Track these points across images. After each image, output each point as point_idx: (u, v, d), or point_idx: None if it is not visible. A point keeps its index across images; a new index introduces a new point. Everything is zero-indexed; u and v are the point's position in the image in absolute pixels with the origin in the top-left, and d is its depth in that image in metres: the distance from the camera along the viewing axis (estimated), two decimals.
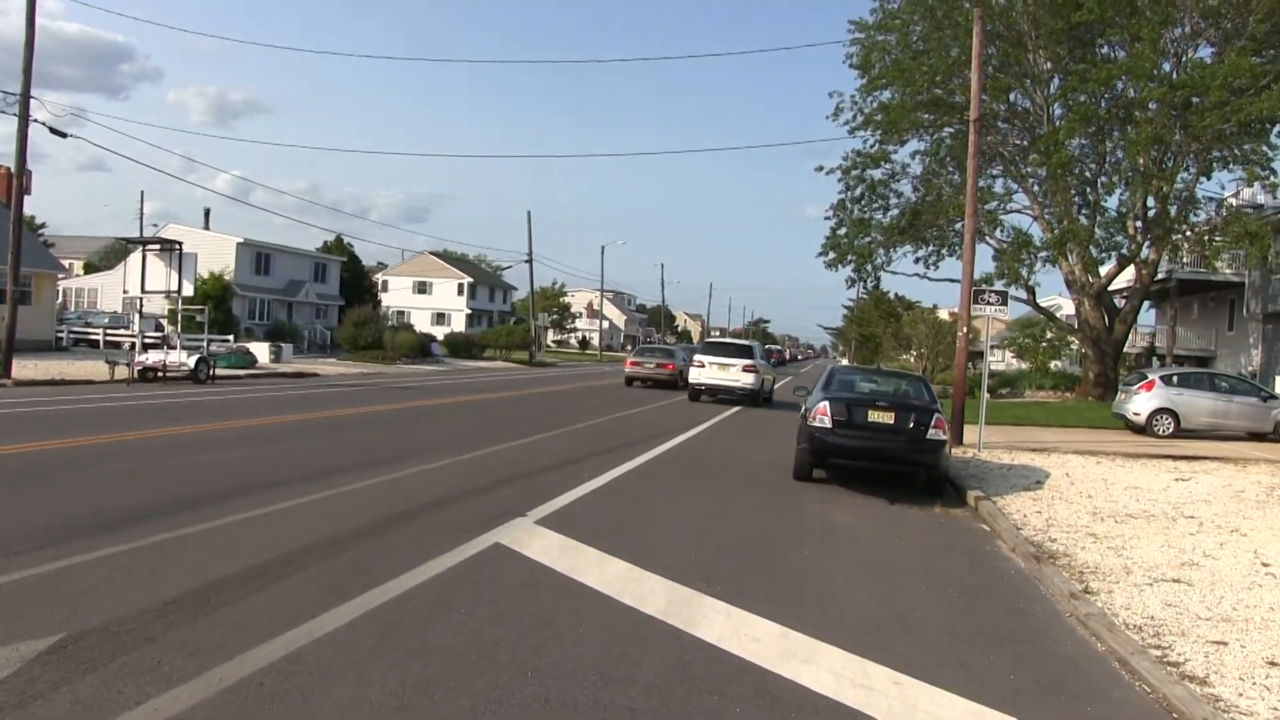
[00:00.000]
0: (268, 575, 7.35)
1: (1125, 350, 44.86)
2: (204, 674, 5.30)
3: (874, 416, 14.24)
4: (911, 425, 14.12)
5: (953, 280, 42.51)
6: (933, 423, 14.13)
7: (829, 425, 14.17)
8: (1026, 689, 6.21)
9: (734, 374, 32.59)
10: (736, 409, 30.64)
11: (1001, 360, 71.28)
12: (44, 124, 28.89)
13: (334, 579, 7.38)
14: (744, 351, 34.27)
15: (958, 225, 41.24)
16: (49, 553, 7.58)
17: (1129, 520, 12.63)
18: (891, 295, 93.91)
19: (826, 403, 14.36)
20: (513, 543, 9.06)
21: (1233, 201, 38.61)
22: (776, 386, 39.56)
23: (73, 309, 59.86)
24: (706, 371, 32.92)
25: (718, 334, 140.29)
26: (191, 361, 29.23)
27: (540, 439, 18.50)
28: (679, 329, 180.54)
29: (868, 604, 8.02)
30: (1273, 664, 6.86)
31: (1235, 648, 7.22)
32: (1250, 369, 40.05)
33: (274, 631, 6.04)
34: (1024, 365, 62.70)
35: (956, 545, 11.10)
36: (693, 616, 7.11)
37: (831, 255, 41.21)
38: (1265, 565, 10.13)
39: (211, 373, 29.99)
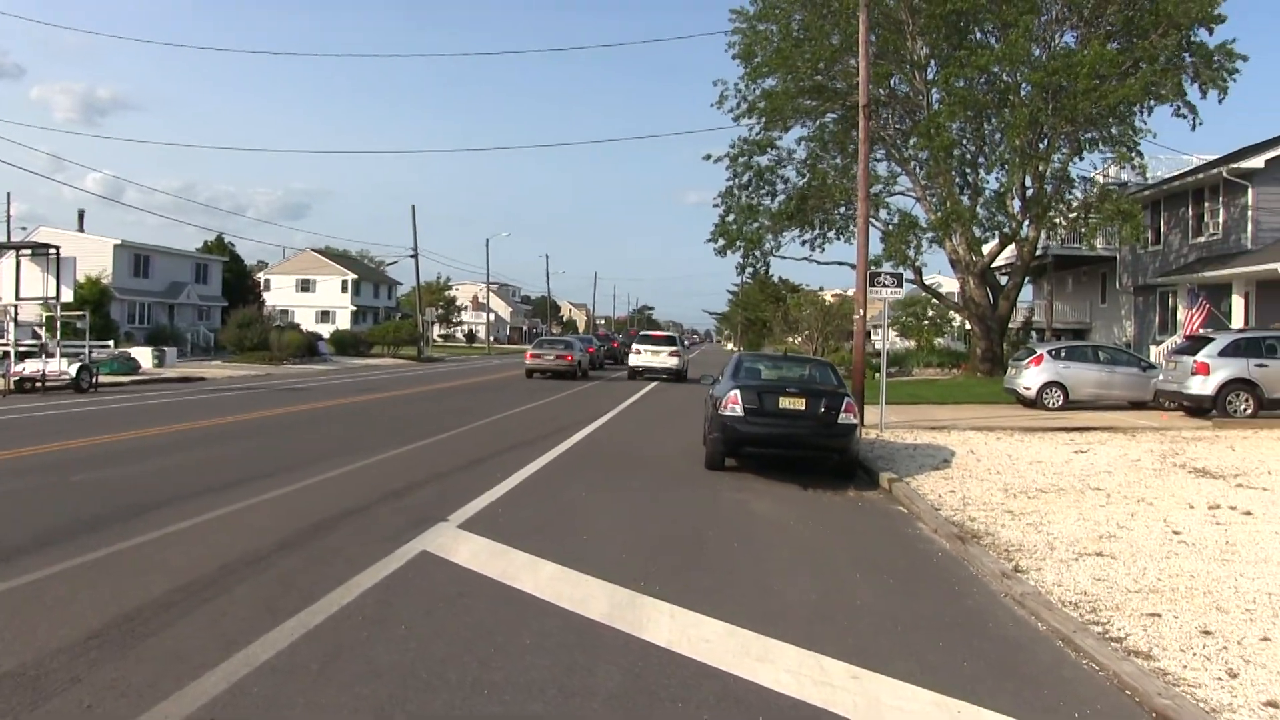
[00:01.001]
0: (192, 598, 6.96)
1: (1009, 325, 45.91)
2: (143, 716, 4.94)
3: (785, 403, 14.23)
4: (822, 410, 14.14)
5: (840, 263, 43.18)
6: (843, 407, 14.18)
7: (741, 414, 14.10)
8: (982, 675, 6.18)
9: (664, 358, 42.38)
10: (636, 398, 30.60)
11: (883, 338, 72.48)
12: None
13: (264, 598, 7.02)
14: (671, 341, 46.17)
15: (843, 209, 41.85)
16: None
17: (1041, 495, 12.82)
18: (776, 279, 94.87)
19: (737, 391, 14.29)
20: (439, 550, 8.78)
21: (1100, 179, 39.82)
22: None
23: None
24: (643, 357, 42.65)
25: (601, 323, 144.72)
26: (73, 370, 28.12)
27: (446, 438, 18.13)
28: (564, 319, 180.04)
29: (807, 596, 7.94)
30: (1206, 633, 6.97)
31: (1169, 619, 7.31)
32: (1125, 340, 41.32)
33: (209, 661, 5.68)
34: (909, 344, 63.83)
35: (879, 529, 11.13)
36: (638, 619, 6.93)
37: (721, 242, 41.33)
38: (1176, 534, 10.36)
39: (95, 381, 28.88)
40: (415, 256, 71.85)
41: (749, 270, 45.11)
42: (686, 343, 58.46)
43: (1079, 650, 6.68)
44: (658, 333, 55.04)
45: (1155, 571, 8.75)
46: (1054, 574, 8.63)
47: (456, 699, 5.34)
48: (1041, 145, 37.48)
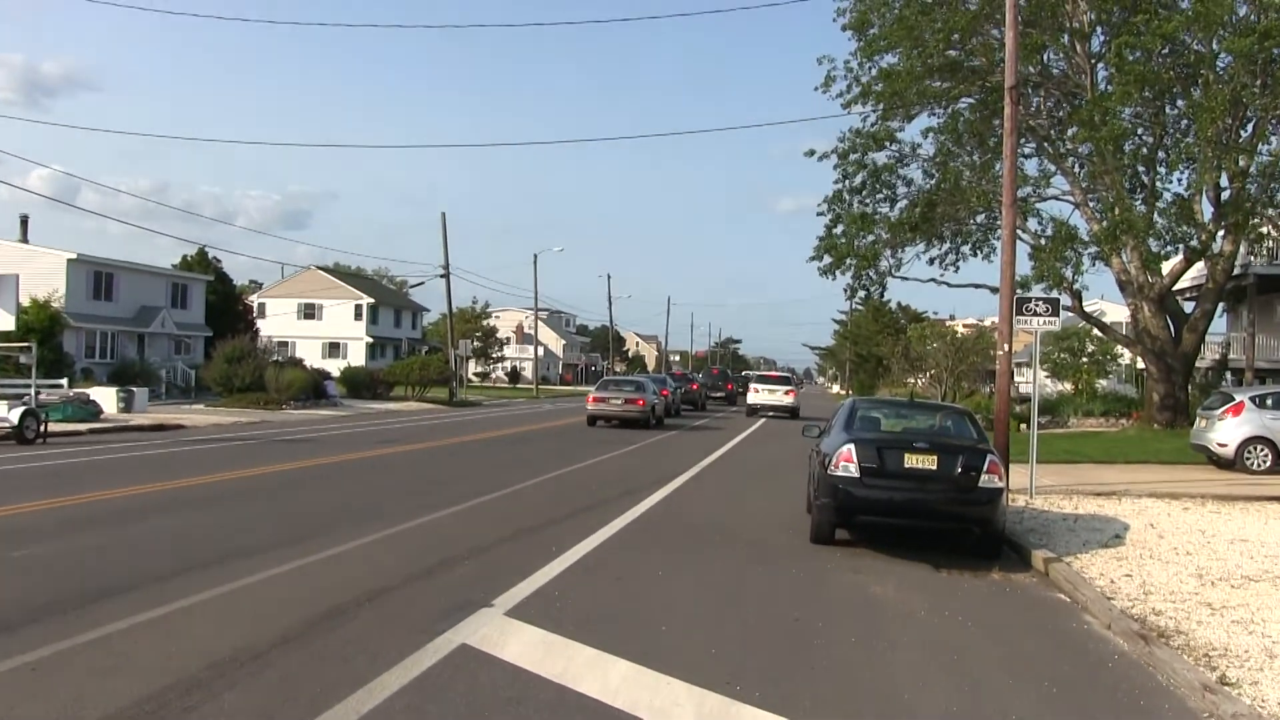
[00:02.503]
0: (169, 708, 6.96)
1: (1195, 365, 45.09)
2: None
3: (911, 462, 14.09)
4: (959, 471, 13.98)
5: (977, 285, 42.94)
6: (985, 467, 14.00)
7: (856, 475, 13.99)
8: None
9: (779, 396, 58.06)
10: (722, 452, 30.55)
11: (1030, 380, 71.70)
12: None
13: (260, 707, 7.03)
14: (786, 381, 64.32)
15: (981, 217, 41.57)
16: None
17: (1248, 584, 12.53)
18: (894, 306, 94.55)
19: (852, 446, 14.17)
20: (482, 643, 8.77)
21: None
22: (763, 421, 43.31)
23: None
24: (760, 395, 58.24)
25: (676, 359, 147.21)
26: (14, 416, 28.24)
27: (488, 501, 18.23)
28: (630, 354, 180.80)
29: (946, 709, 7.81)
30: None
31: None
32: None
33: None
34: (1064, 387, 63.11)
35: (1034, 623, 10.95)
36: None
37: (827, 259, 41.19)
38: None
39: (43, 429, 29.19)
40: (446, 276, 72.51)
41: (861, 294, 45.01)
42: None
43: None
44: (774, 373, 75.67)
45: None
46: (1276, 689, 8.38)
47: None
48: (1244, 133, 36.74)
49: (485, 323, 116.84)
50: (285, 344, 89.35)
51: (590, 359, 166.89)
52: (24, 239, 63.28)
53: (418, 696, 7.39)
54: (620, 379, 51.29)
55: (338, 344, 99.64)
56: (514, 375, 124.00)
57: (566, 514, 16.89)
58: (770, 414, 55.74)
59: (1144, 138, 39.15)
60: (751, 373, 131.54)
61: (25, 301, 42.35)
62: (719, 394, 75.79)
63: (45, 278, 55.23)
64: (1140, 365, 49.56)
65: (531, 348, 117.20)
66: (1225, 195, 37.81)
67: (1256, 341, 47.77)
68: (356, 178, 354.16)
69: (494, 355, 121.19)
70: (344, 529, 14.47)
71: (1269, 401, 27.01)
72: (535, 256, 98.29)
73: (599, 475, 23.49)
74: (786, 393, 58.61)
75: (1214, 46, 35.25)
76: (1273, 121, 36.67)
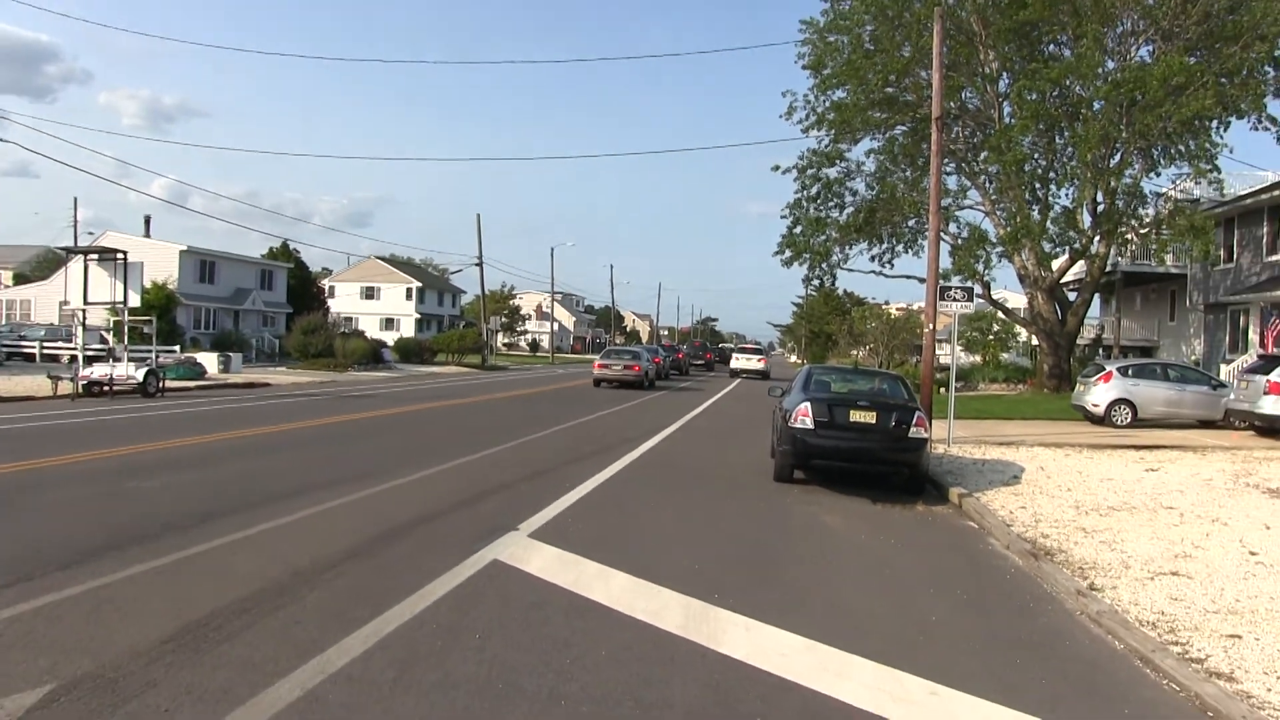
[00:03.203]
0: (264, 605, 6.98)
1: (1076, 342, 45.20)
2: None
3: (855, 416, 14.09)
4: (893, 424, 13.99)
5: (909, 277, 42.79)
6: (914, 421, 14.01)
7: (811, 426, 13.98)
8: (1061, 693, 6.07)
9: (754, 363, 62.05)
10: (702, 409, 30.56)
11: (949, 353, 71.76)
12: None
13: (335, 607, 7.02)
14: (759, 351, 70.88)
15: (911, 222, 41.42)
16: (18, 591, 7.07)
17: (1113, 513, 12.56)
18: (841, 292, 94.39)
19: (808, 404, 14.16)
20: (511, 559, 8.76)
21: (1174, 195, 39.01)
22: (736, 384, 42.95)
23: (4, 322, 58.15)
24: (740, 362, 62.97)
25: (665, 333, 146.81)
26: (140, 374, 28.34)
27: (514, 446, 18.16)
28: (628, 329, 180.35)
29: (882, 611, 7.82)
30: None
31: (1250, 641, 7.15)
32: (1194, 358, 40.52)
33: (283, 669, 5.68)
34: (974, 358, 63.09)
35: (951, 545, 10.95)
36: (714, 632, 6.85)
37: (788, 254, 41.13)
38: (1253, 554, 10.12)
39: (161, 386, 29.19)
40: (480, 265, 72.32)
41: (815, 283, 44.92)
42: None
43: (1158, 670, 6.55)
44: (749, 346, 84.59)
45: (1233, 592, 8.56)
46: (1130, 593, 8.45)
47: (533, 710, 5.29)
48: (1114, 160, 36.88)
49: (511, 303, 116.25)
50: (350, 319, 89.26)
51: (595, 333, 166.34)
52: (147, 234, 63.81)
53: (460, 600, 7.38)
54: (620, 349, 51.10)
55: (392, 319, 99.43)
56: (534, 346, 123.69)
57: (576, 457, 16.84)
58: (746, 375, 58.95)
59: (1039, 161, 39.09)
60: (730, 346, 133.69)
61: (147, 284, 42.40)
62: (700, 362, 75.62)
63: (163, 265, 55.51)
64: (1034, 342, 49.66)
65: (548, 324, 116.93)
66: (1101, 208, 37.87)
67: (1122, 324, 47.99)
68: (410, 185, 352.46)
69: (518, 329, 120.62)
70: (400, 467, 14.43)
71: (1130, 371, 27.09)
72: (552, 250, 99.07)
73: (602, 426, 23.44)
74: (759, 360, 62.81)
75: (1090, 91, 35.36)
76: (1134, 152, 36.78)
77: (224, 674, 5.58)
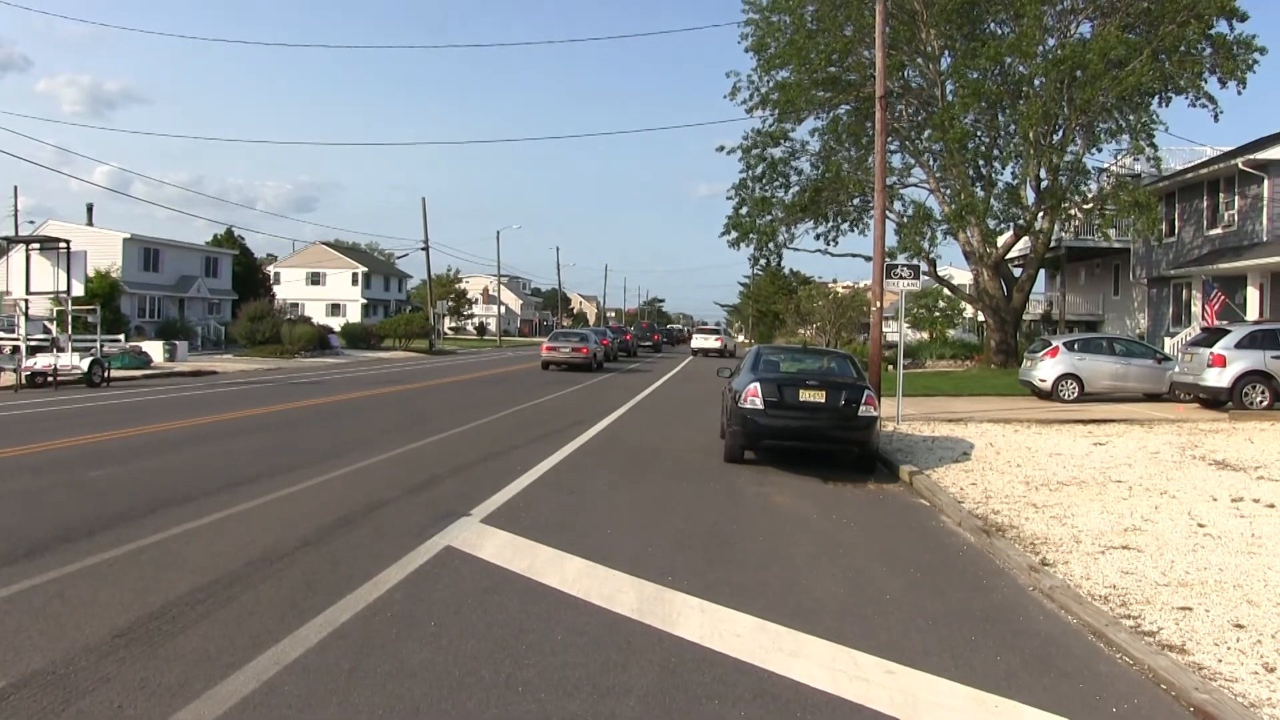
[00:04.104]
0: (216, 596, 6.91)
1: (1023, 318, 45.76)
2: (175, 716, 4.89)
3: (805, 396, 14.14)
4: (843, 403, 14.06)
5: (854, 255, 43.19)
6: (864, 400, 14.09)
7: (760, 406, 14.03)
8: (1016, 669, 6.12)
9: (711, 341, 66.05)
10: (651, 390, 30.60)
11: (897, 331, 72.37)
12: None
13: (288, 596, 6.97)
14: (716, 331, 77.21)
15: (856, 201, 41.73)
16: None
17: (1062, 488, 12.74)
18: (787, 271, 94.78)
19: (757, 384, 14.21)
20: (464, 545, 8.73)
21: (1114, 170, 39.57)
22: (684, 364, 42.35)
23: None
24: (699, 341, 68.06)
25: (612, 315, 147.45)
26: (85, 364, 28.08)
27: (464, 430, 18.09)
28: (575, 311, 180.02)
29: (835, 590, 7.88)
30: (1239, 626, 6.90)
31: (1200, 613, 7.25)
32: (1138, 332, 41.17)
33: (238, 661, 5.63)
34: (922, 335, 63.66)
35: (902, 522, 11.05)
36: (668, 614, 6.87)
37: (734, 235, 41.26)
38: (1201, 526, 10.28)
39: (106, 375, 28.86)
40: (426, 249, 71.86)
41: (761, 263, 45.05)
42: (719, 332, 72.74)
43: (1112, 644, 6.62)
44: (708, 327, 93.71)
45: (1183, 565, 8.68)
46: (1081, 567, 8.56)
47: (491, 698, 5.28)
48: (1056, 137, 37.32)
49: (458, 287, 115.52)
50: (296, 305, 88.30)
51: (543, 315, 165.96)
52: (90, 222, 63.20)
53: (414, 587, 7.35)
54: (568, 331, 50.99)
55: (338, 305, 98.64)
56: (481, 329, 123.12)
57: (527, 440, 16.80)
58: (704, 354, 62.39)
59: (982, 139, 39.48)
60: (678, 326, 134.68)
61: (91, 273, 41.89)
62: (647, 343, 75.56)
63: (106, 254, 54.81)
64: (981, 318, 50.16)
65: (495, 307, 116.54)
66: (1044, 185, 38.32)
67: (1066, 299, 48.64)
68: (355, 170, 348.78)
69: (465, 313, 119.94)
70: (350, 453, 14.33)
71: (1076, 346, 27.43)
72: (498, 233, 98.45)
73: (552, 409, 23.40)
74: (717, 339, 67.29)
75: (1030, 69, 35.71)
76: (1076, 129, 37.22)
77: (179, 667, 5.52)
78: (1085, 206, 39.28)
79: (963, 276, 60.12)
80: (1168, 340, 34.78)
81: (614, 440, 17.56)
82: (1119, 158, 39.34)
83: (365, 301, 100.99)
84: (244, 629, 6.22)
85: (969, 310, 59.80)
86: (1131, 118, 35.99)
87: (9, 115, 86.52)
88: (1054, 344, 27.72)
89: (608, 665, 5.85)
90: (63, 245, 28.76)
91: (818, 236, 43.22)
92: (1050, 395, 26.40)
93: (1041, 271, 47.74)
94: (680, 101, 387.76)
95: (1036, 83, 35.89)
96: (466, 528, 9.45)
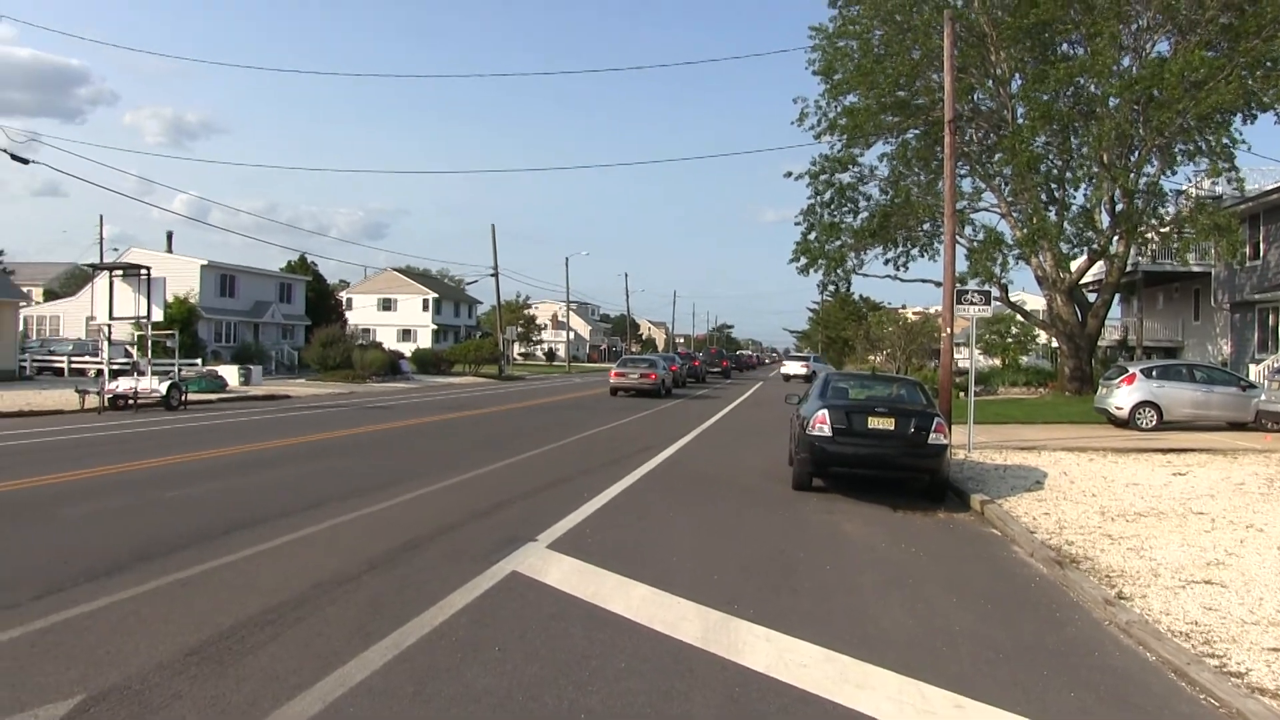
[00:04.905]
0: (285, 618, 7.00)
1: (1098, 344, 44.96)
2: None
3: (874, 423, 14.04)
4: (912, 430, 13.93)
5: (924, 280, 42.69)
6: (933, 427, 13.94)
7: (829, 434, 13.94)
8: (1091, 706, 5.98)
9: (799, 367, 69.90)
10: (719, 416, 30.54)
11: (968, 357, 71.49)
12: (4, 150, 28.11)
13: (355, 619, 7.04)
14: (806, 358, 76.75)
15: (926, 226, 41.32)
16: (49, 603, 7.19)
17: (1140, 519, 12.46)
18: (857, 297, 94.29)
19: (826, 411, 14.13)
20: (530, 570, 8.75)
21: (1193, 192, 38.74)
22: (754, 390, 42.48)
23: (34, 337, 58.73)
24: (788, 367, 72.86)
25: (681, 341, 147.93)
26: (163, 388, 28.65)
27: (531, 456, 18.17)
28: (643, 337, 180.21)
29: (904, 620, 7.77)
30: None
31: None
32: (1220, 358, 40.22)
33: (305, 682, 5.70)
34: (993, 362, 62.84)
35: (973, 553, 10.90)
36: (733, 643, 6.83)
37: (803, 260, 41.02)
38: None
39: (184, 398, 29.42)
40: (495, 275, 72.34)
41: (830, 288, 44.73)
42: (768, 360, 70.67)
43: (1194, 684, 6.41)
44: (800, 354, 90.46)
45: (1273, 603, 8.37)
46: (1160, 602, 8.34)
47: None
48: (1131, 158, 36.68)
49: (526, 313, 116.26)
50: (367, 331, 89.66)
51: (611, 341, 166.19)
52: (169, 250, 64.70)
53: (479, 613, 7.38)
54: (636, 357, 51.09)
55: (409, 330, 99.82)
56: (550, 355, 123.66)
57: (594, 466, 16.85)
58: (790, 380, 64.81)
59: (1054, 162, 38.92)
60: (747, 352, 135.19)
61: (170, 299, 42.80)
62: (716, 369, 75.57)
63: (184, 280, 55.87)
64: (1054, 344, 49.42)
65: (564, 333, 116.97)
66: (1119, 208, 37.68)
67: (1144, 325, 47.71)
68: (425, 196, 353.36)
69: (534, 339, 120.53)
70: (419, 478, 14.46)
71: (1154, 373, 26.90)
72: (567, 259, 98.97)
73: (620, 435, 23.43)
74: (804, 366, 69.83)
75: (1104, 89, 35.12)
76: (1152, 150, 36.53)
77: (248, 687, 5.60)
78: (1162, 230, 38.48)
79: (1035, 302, 59.19)
80: (1253, 367, 33.90)
81: (681, 466, 17.53)
82: (1197, 179, 38.56)
83: (435, 327, 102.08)
84: (311, 650, 6.29)
85: (1042, 336, 58.92)
86: (1211, 138, 35.16)
87: (96, 148, 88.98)
88: (1131, 371, 27.21)
89: (671, 694, 5.82)
90: (144, 272, 29.52)
91: (887, 262, 42.84)
92: (1127, 423, 25.91)
93: (1117, 296, 46.92)
94: (747, 127, 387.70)
95: (1111, 104, 35.27)
96: (533, 553, 9.48)
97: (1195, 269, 42.72)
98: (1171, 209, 38.61)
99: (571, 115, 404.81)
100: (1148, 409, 25.86)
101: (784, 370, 73.23)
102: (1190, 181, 38.87)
